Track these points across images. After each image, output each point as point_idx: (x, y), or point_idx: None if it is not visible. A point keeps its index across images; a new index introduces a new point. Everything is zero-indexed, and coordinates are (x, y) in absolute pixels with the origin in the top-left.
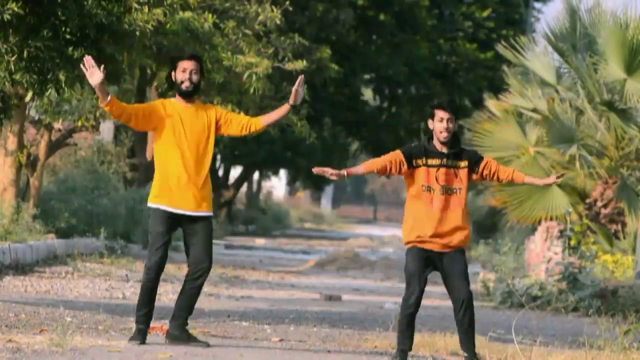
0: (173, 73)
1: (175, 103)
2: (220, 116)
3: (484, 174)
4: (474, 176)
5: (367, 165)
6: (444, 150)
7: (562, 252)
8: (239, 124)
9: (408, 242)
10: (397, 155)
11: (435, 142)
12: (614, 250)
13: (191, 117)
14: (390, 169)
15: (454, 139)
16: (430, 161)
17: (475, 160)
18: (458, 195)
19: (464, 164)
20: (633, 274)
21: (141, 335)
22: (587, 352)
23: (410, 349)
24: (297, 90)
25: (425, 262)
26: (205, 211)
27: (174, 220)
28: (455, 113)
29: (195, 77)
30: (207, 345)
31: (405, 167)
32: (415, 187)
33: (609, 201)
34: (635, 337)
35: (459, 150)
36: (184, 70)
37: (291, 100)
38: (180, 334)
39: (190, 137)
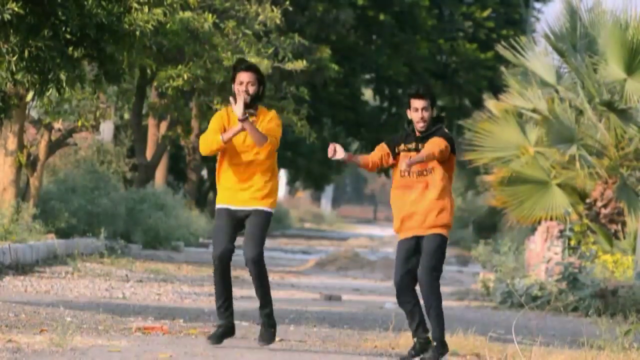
0: (233, 84)
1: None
2: (260, 123)
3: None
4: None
5: (363, 159)
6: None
7: (562, 252)
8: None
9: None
10: (382, 147)
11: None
12: (614, 250)
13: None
14: (381, 161)
15: (435, 123)
16: (408, 145)
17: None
18: (432, 175)
19: None
20: (633, 274)
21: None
22: (587, 352)
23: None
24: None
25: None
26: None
27: None
28: (432, 98)
29: (252, 89)
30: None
31: (391, 158)
32: (396, 174)
33: (609, 201)
34: (635, 337)
35: (432, 132)
36: (240, 83)
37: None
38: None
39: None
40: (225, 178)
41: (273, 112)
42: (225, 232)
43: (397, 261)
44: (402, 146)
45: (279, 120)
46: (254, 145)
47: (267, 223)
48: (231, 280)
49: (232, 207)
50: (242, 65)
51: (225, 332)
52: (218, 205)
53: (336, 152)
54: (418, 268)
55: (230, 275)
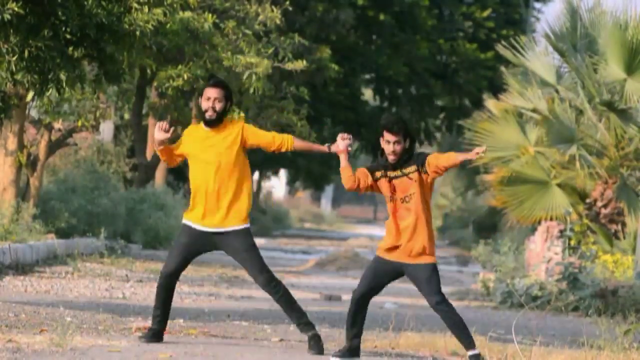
0: (200, 99)
1: (201, 129)
2: (247, 137)
3: (432, 170)
4: (427, 177)
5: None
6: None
7: (562, 252)
8: (269, 144)
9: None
10: (362, 170)
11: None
12: (614, 250)
13: (211, 145)
14: (359, 180)
15: (407, 151)
16: (390, 173)
17: (421, 163)
18: (413, 200)
19: (412, 169)
20: (633, 274)
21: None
22: (587, 352)
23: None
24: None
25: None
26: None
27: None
28: (405, 132)
29: (218, 105)
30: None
31: (370, 179)
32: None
33: (609, 201)
34: (635, 337)
35: (407, 158)
36: (207, 99)
37: (333, 148)
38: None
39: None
40: (195, 194)
41: (242, 124)
42: (182, 252)
43: (368, 272)
44: (381, 173)
45: (252, 127)
46: (223, 153)
47: (253, 240)
48: (172, 296)
49: (204, 229)
50: (211, 80)
51: (154, 336)
52: (186, 222)
53: (340, 143)
54: (382, 289)
55: (173, 291)
